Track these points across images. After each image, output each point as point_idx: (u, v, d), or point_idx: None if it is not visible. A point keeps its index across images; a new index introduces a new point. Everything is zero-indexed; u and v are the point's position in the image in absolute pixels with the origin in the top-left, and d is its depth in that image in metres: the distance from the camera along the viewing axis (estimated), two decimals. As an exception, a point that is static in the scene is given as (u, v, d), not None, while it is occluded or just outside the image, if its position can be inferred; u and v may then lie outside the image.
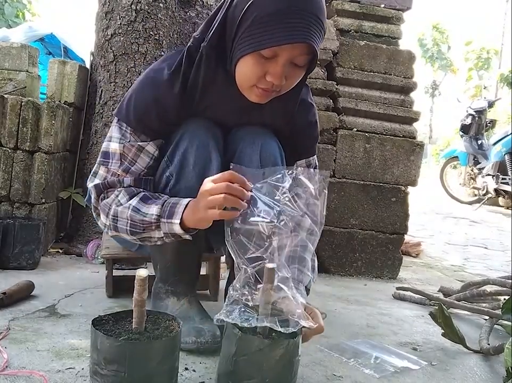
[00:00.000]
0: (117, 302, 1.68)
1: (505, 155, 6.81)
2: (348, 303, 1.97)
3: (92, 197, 1.24)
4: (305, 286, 1.23)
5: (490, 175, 6.92)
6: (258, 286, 0.99)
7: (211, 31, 1.13)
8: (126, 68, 2.45)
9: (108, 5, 2.48)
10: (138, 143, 1.22)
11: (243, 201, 1.01)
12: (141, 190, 1.22)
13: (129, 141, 1.22)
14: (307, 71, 1.15)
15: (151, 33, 2.44)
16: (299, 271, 1.24)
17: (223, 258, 1.82)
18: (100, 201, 1.23)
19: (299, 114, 1.31)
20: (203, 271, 1.76)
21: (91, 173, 1.28)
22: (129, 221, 1.17)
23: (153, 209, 1.14)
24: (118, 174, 1.22)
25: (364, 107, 2.51)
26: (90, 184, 1.25)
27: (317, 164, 1.43)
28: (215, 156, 1.24)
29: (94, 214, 1.27)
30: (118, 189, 1.21)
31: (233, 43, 1.10)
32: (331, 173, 2.46)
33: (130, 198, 1.19)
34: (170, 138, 1.25)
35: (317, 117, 1.38)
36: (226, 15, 1.11)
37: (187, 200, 1.13)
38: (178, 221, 1.11)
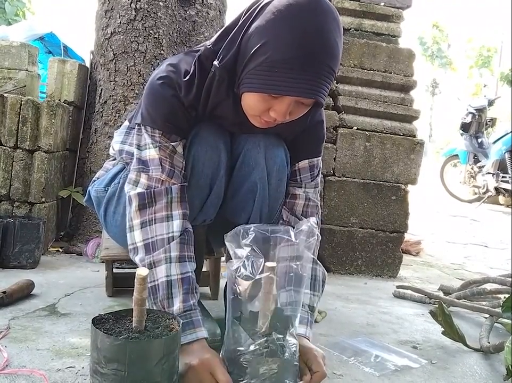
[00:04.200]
0: (117, 301, 1.69)
1: (506, 153, 6.80)
2: (349, 302, 1.97)
3: (133, 205, 1.17)
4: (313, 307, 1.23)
5: (490, 173, 6.91)
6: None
7: (224, 52, 1.10)
8: (126, 67, 2.44)
9: (108, 4, 2.48)
10: (171, 144, 1.18)
11: None
12: (189, 255, 1.17)
13: (161, 144, 1.18)
14: (314, 105, 1.12)
15: (151, 31, 2.44)
16: (311, 294, 1.23)
17: (223, 258, 1.82)
18: (140, 214, 1.16)
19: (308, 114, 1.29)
20: (204, 268, 1.76)
21: (130, 181, 1.20)
22: (156, 283, 1.12)
23: (175, 305, 1.10)
24: (163, 180, 1.16)
25: (364, 105, 2.51)
26: (131, 192, 1.18)
27: (321, 167, 1.38)
28: (223, 157, 1.23)
29: (128, 224, 1.19)
30: (175, 226, 1.15)
31: (241, 73, 1.08)
32: (331, 171, 2.46)
33: (178, 260, 1.14)
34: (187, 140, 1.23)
35: (323, 117, 1.34)
36: (241, 43, 1.08)
37: (202, 334, 1.09)
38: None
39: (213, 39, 1.16)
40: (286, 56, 0.99)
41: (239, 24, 1.10)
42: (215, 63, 1.10)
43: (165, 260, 1.13)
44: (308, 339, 1.16)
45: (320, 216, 1.39)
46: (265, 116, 1.10)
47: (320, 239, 1.35)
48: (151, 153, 1.18)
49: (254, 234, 1.03)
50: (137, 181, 1.19)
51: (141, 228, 1.16)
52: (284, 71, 1.00)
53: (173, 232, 1.15)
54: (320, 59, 1.00)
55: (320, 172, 1.39)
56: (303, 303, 1.18)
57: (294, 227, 1.17)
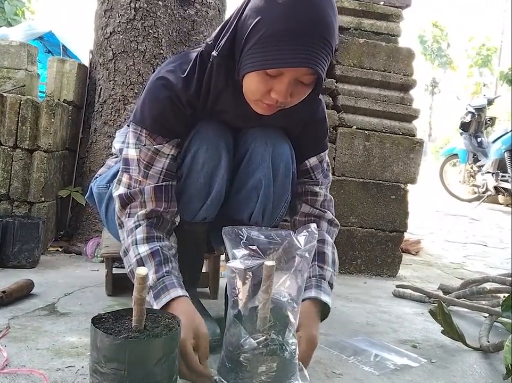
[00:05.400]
0: (117, 301, 1.68)
1: (505, 153, 6.79)
2: (348, 301, 1.97)
3: (116, 206, 1.24)
4: (328, 282, 1.26)
5: (490, 172, 6.91)
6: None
7: (221, 41, 1.11)
8: (125, 66, 2.44)
9: (107, 3, 2.48)
10: (154, 146, 1.20)
11: None
12: (158, 236, 1.19)
13: (144, 145, 1.20)
14: (315, 87, 1.13)
15: (150, 31, 2.44)
16: (319, 267, 1.27)
17: (222, 257, 1.82)
18: (123, 212, 1.22)
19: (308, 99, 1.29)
20: (203, 268, 1.76)
21: (116, 181, 1.26)
22: (131, 267, 1.17)
23: (150, 278, 1.12)
24: (140, 181, 1.21)
25: (364, 104, 2.51)
26: (115, 193, 1.24)
27: (328, 161, 1.41)
28: (224, 156, 1.23)
29: (117, 222, 1.26)
30: (140, 216, 1.19)
31: (240, 57, 1.09)
32: (331, 171, 2.46)
33: (145, 240, 1.17)
34: (185, 138, 1.24)
35: (326, 113, 1.36)
36: (237, 27, 1.09)
37: (176, 293, 1.10)
38: (158, 307, 1.09)
39: (212, 35, 1.17)
40: (279, 29, 1.00)
41: (234, 14, 1.12)
42: (213, 53, 1.12)
43: (131, 243, 1.18)
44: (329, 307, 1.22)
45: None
46: (266, 99, 1.10)
47: (339, 226, 1.41)
48: (132, 153, 1.22)
49: (254, 236, 1.03)
50: (119, 179, 1.25)
51: (122, 229, 1.23)
52: (278, 44, 1.01)
53: (138, 221, 1.20)
54: (313, 30, 1.01)
55: (330, 167, 1.43)
56: (326, 277, 1.25)
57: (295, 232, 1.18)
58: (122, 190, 1.23)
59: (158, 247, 1.16)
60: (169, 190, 1.22)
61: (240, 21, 1.08)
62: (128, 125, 1.31)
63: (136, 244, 1.17)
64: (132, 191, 1.21)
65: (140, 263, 1.15)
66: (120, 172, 1.26)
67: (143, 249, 1.16)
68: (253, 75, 1.07)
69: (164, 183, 1.21)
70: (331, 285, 1.27)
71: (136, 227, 1.19)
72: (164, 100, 1.17)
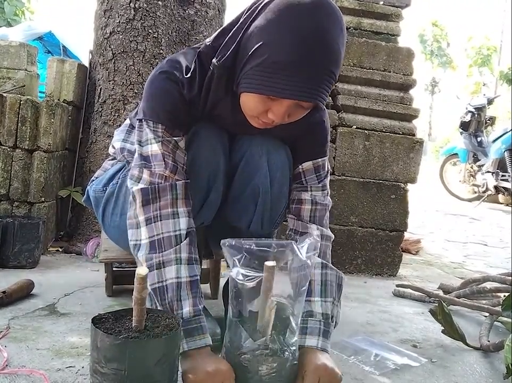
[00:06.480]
0: (117, 301, 1.69)
1: (505, 152, 6.79)
2: (348, 300, 1.97)
3: (137, 202, 1.12)
4: (323, 313, 1.17)
5: (490, 172, 6.91)
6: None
7: (224, 50, 1.08)
8: (125, 67, 2.44)
9: (107, 3, 2.48)
10: (174, 138, 1.15)
11: None
12: (195, 258, 1.13)
13: (164, 138, 1.14)
14: (316, 106, 1.10)
15: (150, 31, 2.44)
16: (306, 302, 1.14)
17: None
18: (146, 210, 1.11)
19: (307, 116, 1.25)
20: (203, 265, 1.75)
21: (133, 178, 1.15)
22: (165, 284, 1.08)
23: (185, 308, 1.07)
24: (166, 176, 1.12)
25: (364, 104, 2.51)
26: (134, 188, 1.13)
27: (328, 167, 1.33)
28: (221, 160, 1.22)
29: (132, 221, 1.14)
30: (181, 224, 1.12)
31: (241, 72, 1.06)
32: (331, 170, 2.45)
33: (187, 262, 1.10)
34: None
35: (326, 117, 1.31)
36: (241, 41, 1.06)
37: (210, 341, 1.06)
38: (186, 348, 1.04)
39: (212, 36, 1.14)
40: (285, 58, 0.97)
41: (239, 22, 1.08)
42: (214, 61, 1.09)
43: (175, 261, 1.09)
44: (325, 351, 1.11)
45: (328, 218, 1.33)
46: (263, 117, 1.09)
47: (332, 239, 1.32)
48: (154, 148, 1.14)
49: (254, 250, 1.00)
50: (139, 177, 1.14)
51: (147, 225, 1.11)
52: (283, 73, 0.99)
53: (180, 230, 1.11)
54: (321, 63, 0.99)
55: (329, 173, 1.34)
56: (314, 312, 1.15)
57: (297, 240, 1.16)
58: (143, 185, 1.13)
59: (197, 278, 1.11)
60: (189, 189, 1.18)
61: (245, 36, 1.05)
62: (134, 126, 1.27)
63: (180, 264, 1.09)
64: (161, 186, 1.11)
65: (179, 287, 1.07)
66: (136, 168, 1.16)
67: (185, 274, 1.09)
68: (252, 95, 1.05)
69: (188, 181, 1.17)
70: (324, 316, 1.16)
71: (176, 238, 1.11)
72: (175, 93, 1.13)
